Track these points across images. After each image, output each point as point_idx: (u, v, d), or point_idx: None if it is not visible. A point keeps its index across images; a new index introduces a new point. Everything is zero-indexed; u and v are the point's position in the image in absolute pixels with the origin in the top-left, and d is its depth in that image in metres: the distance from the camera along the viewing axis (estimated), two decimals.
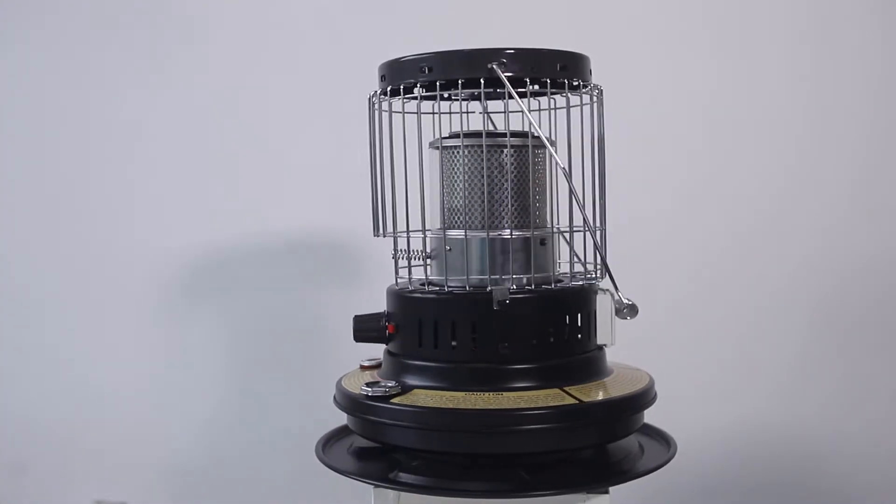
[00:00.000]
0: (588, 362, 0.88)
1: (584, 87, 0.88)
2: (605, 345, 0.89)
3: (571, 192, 0.84)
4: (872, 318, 1.34)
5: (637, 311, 0.84)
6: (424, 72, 0.85)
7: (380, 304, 0.92)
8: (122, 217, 1.44)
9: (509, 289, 0.83)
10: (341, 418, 0.91)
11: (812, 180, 1.35)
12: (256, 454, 1.42)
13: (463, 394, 0.83)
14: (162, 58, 1.43)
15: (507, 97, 0.86)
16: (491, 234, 0.87)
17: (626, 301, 0.84)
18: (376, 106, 0.91)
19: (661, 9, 1.36)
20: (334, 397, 0.90)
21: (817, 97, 1.34)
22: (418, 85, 0.85)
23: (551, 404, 0.80)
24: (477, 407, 0.80)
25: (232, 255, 1.42)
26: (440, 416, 0.81)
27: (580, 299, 0.88)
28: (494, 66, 0.83)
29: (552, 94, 0.89)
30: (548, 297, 0.86)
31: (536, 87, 0.86)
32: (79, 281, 1.45)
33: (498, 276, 0.87)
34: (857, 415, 1.35)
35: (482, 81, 0.83)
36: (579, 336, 0.87)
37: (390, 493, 0.84)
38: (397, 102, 0.89)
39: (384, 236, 0.91)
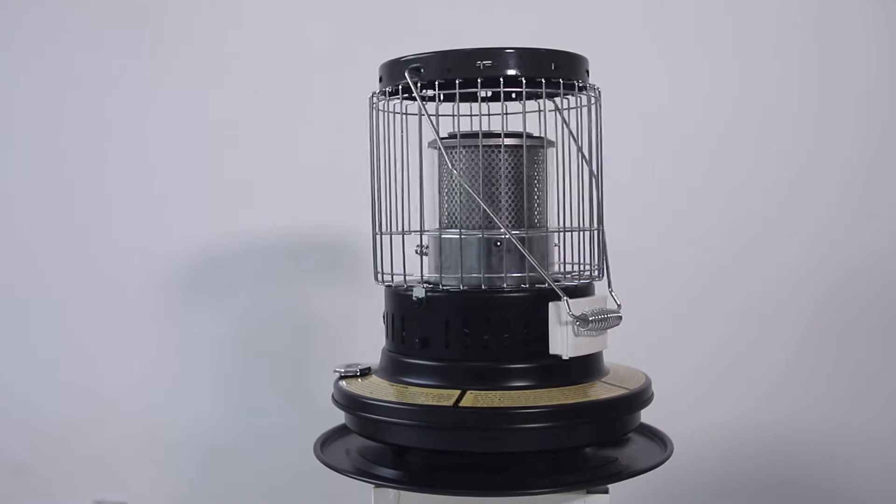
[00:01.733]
0: (509, 368, 0.84)
1: (583, 88, 0.89)
2: (559, 355, 0.83)
3: (480, 201, 0.85)
4: (869, 317, 1.35)
5: (591, 325, 0.81)
6: (381, 80, 0.88)
7: (378, 303, 0.93)
8: (122, 217, 1.44)
9: (425, 288, 0.86)
10: (341, 418, 0.92)
11: (809, 180, 1.35)
12: (256, 454, 1.42)
13: (388, 383, 0.88)
14: (163, 59, 1.43)
15: (419, 101, 0.85)
16: (448, 234, 0.89)
17: (572, 314, 0.81)
18: (376, 106, 0.91)
19: (655, 9, 1.36)
20: (332, 396, 0.91)
21: (813, 97, 1.35)
22: (399, 86, 0.86)
23: (420, 402, 0.82)
24: (371, 395, 0.85)
25: (231, 255, 1.43)
26: (350, 401, 0.87)
27: (500, 304, 0.85)
28: (406, 74, 0.85)
29: (552, 95, 0.90)
30: (461, 299, 0.86)
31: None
32: (78, 281, 1.45)
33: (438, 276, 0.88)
34: (853, 413, 1.35)
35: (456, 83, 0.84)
36: (505, 341, 0.84)
37: (390, 493, 0.84)
38: (397, 103, 0.90)
39: (382, 235, 0.92)
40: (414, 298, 0.86)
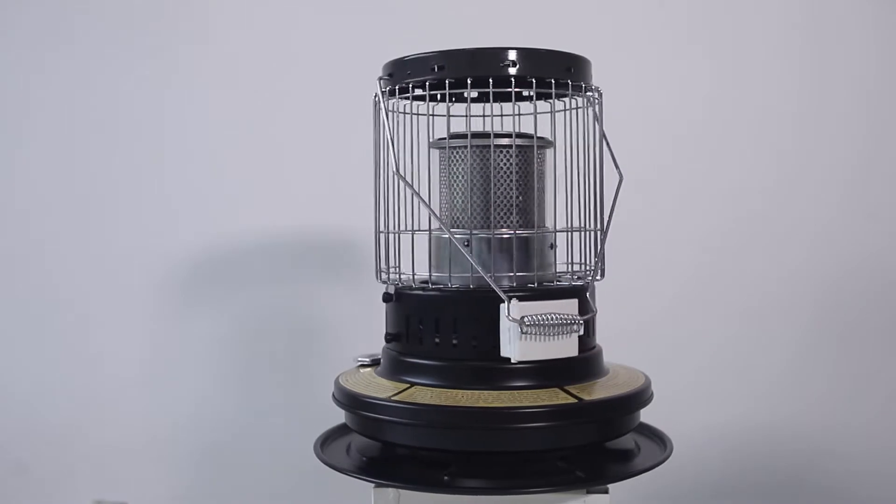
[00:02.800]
0: (455, 367, 0.84)
1: (587, 89, 0.89)
2: (508, 358, 0.81)
3: (424, 202, 0.86)
4: (869, 317, 1.35)
5: (529, 330, 0.79)
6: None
7: (378, 303, 0.93)
8: (123, 217, 1.44)
9: (394, 285, 0.89)
10: (341, 417, 0.92)
11: (809, 180, 1.36)
12: (256, 454, 1.42)
13: (386, 380, 0.89)
14: (166, 59, 1.43)
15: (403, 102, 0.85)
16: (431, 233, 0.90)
17: (511, 317, 0.79)
18: (380, 105, 0.91)
19: (655, 9, 1.36)
20: (333, 394, 0.91)
21: (813, 97, 1.35)
22: (408, 85, 0.87)
23: (370, 393, 0.85)
24: (348, 387, 0.88)
25: (231, 255, 1.43)
26: (342, 394, 0.89)
27: (450, 303, 0.85)
28: (379, 83, 0.87)
29: (556, 96, 0.90)
30: (419, 297, 0.87)
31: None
32: (79, 280, 1.45)
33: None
34: (853, 413, 1.35)
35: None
36: (456, 338, 0.85)
37: (390, 492, 0.84)
38: (402, 102, 0.91)
39: (389, 234, 0.92)
40: (384, 295, 0.89)
